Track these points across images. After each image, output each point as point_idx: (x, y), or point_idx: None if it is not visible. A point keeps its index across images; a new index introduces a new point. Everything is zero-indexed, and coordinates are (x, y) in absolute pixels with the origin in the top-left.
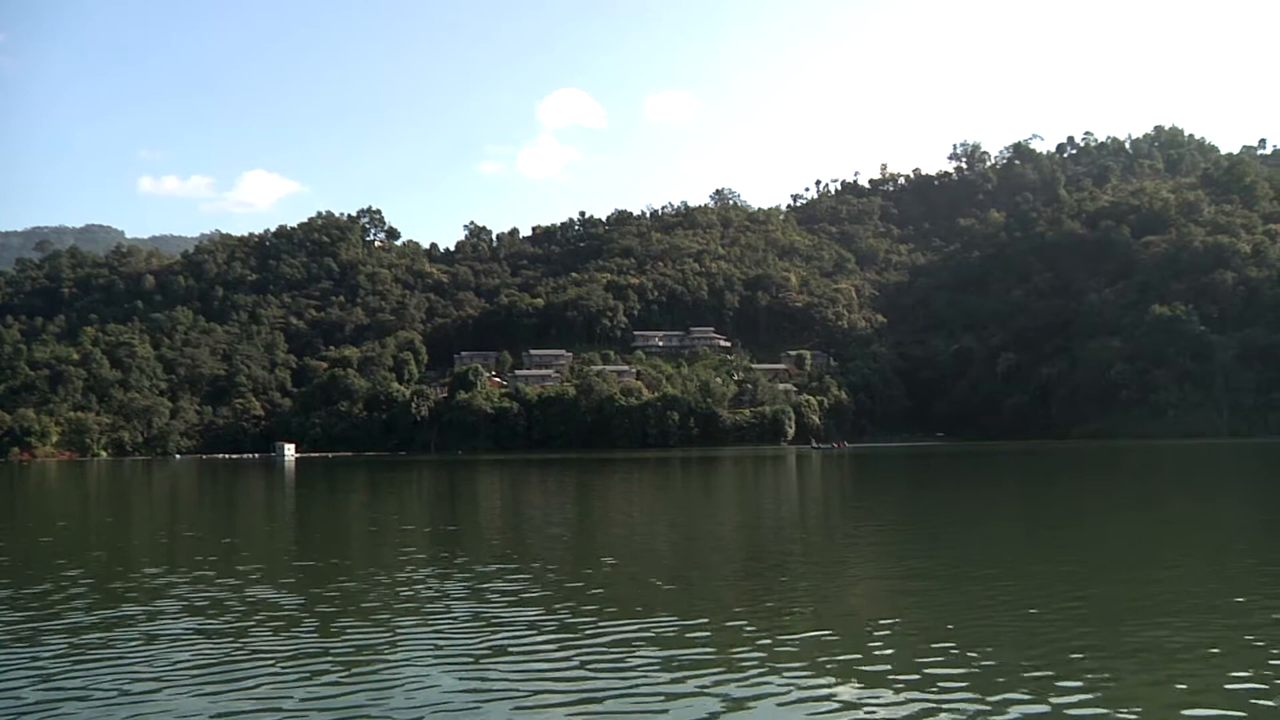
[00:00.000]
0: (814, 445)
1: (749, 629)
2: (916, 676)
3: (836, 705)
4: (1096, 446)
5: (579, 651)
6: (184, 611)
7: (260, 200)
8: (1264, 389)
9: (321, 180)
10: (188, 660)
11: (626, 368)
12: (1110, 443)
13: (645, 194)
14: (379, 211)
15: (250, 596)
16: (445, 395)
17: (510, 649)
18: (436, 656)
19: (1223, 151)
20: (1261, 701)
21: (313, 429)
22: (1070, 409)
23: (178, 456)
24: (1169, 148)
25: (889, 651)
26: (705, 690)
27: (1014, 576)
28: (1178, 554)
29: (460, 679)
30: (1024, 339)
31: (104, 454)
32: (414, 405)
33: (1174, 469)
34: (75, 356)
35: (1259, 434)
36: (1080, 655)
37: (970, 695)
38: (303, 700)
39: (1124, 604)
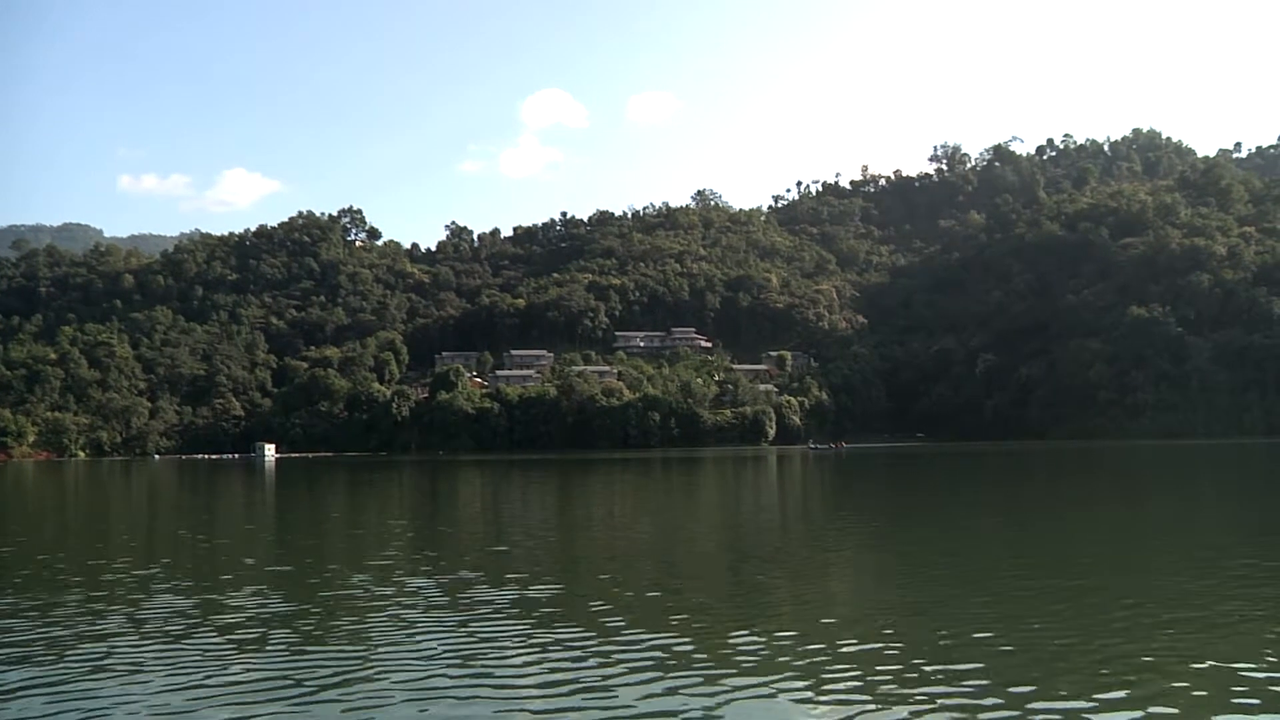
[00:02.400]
0: (812, 446)
1: (736, 637)
2: (903, 685)
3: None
4: (1076, 447)
5: (569, 665)
6: (153, 623)
7: (240, 199)
8: (1238, 390)
9: (302, 179)
10: (152, 677)
11: (608, 368)
12: (1089, 443)
13: (627, 194)
14: (360, 211)
15: (225, 607)
16: (426, 395)
17: (496, 664)
18: (420, 671)
19: (1199, 154)
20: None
21: (293, 429)
22: (1049, 410)
23: (157, 457)
24: (1147, 150)
25: (876, 661)
26: (695, 702)
27: (1005, 581)
28: (1161, 553)
29: (445, 695)
30: (1003, 340)
31: (82, 454)
32: (395, 406)
33: (1153, 470)
34: (53, 356)
35: (1234, 434)
36: (1066, 662)
37: (957, 706)
38: None
39: (1111, 610)
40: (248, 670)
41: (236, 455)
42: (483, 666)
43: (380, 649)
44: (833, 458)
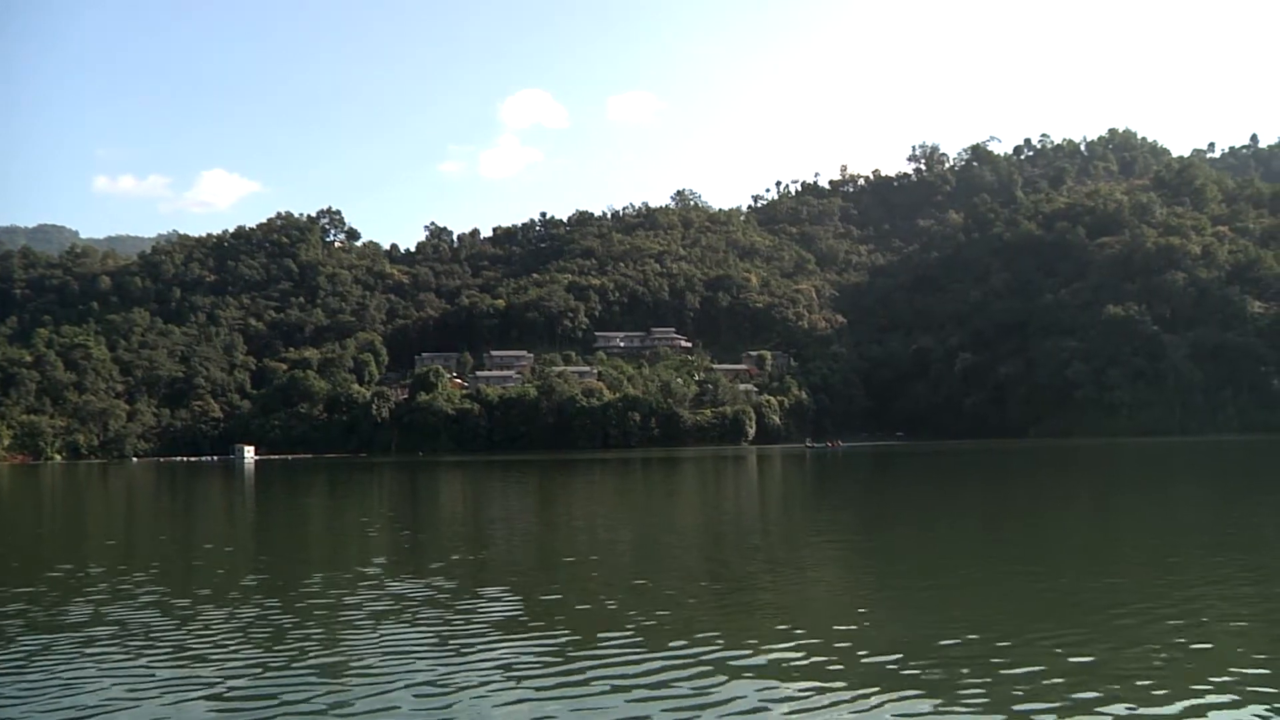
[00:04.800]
0: (809, 445)
1: (725, 642)
2: (896, 687)
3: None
4: (1055, 445)
5: (555, 672)
6: (127, 632)
7: (219, 200)
8: (1213, 387)
9: (281, 180)
10: (122, 692)
11: (588, 368)
12: (1067, 441)
13: (607, 195)
14: (339, 212)
15: (202, 617)
16: (406, 396)
17: (480, 671)
18: (399, 685)
19: (1174, 154)
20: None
21: (272, 431)
22: (1027, 408)
23: (135, 459)
24: (1122, 150)
25: (856, 663)
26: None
27: (991, 581)
28: (1149, 551)
29: (429, 703)
30: (982, 339)
31: (58, 457)
32: (374, 407)
33: (1130, 468)
34: (28, 358)
35: (1209, 431)
36: (1055, 661)
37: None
38: None
39: (1090, 600)
40: (227, 682)
41: (215, 457)
42: (465, 674)
43: (362, 658)
44: (829, 456)
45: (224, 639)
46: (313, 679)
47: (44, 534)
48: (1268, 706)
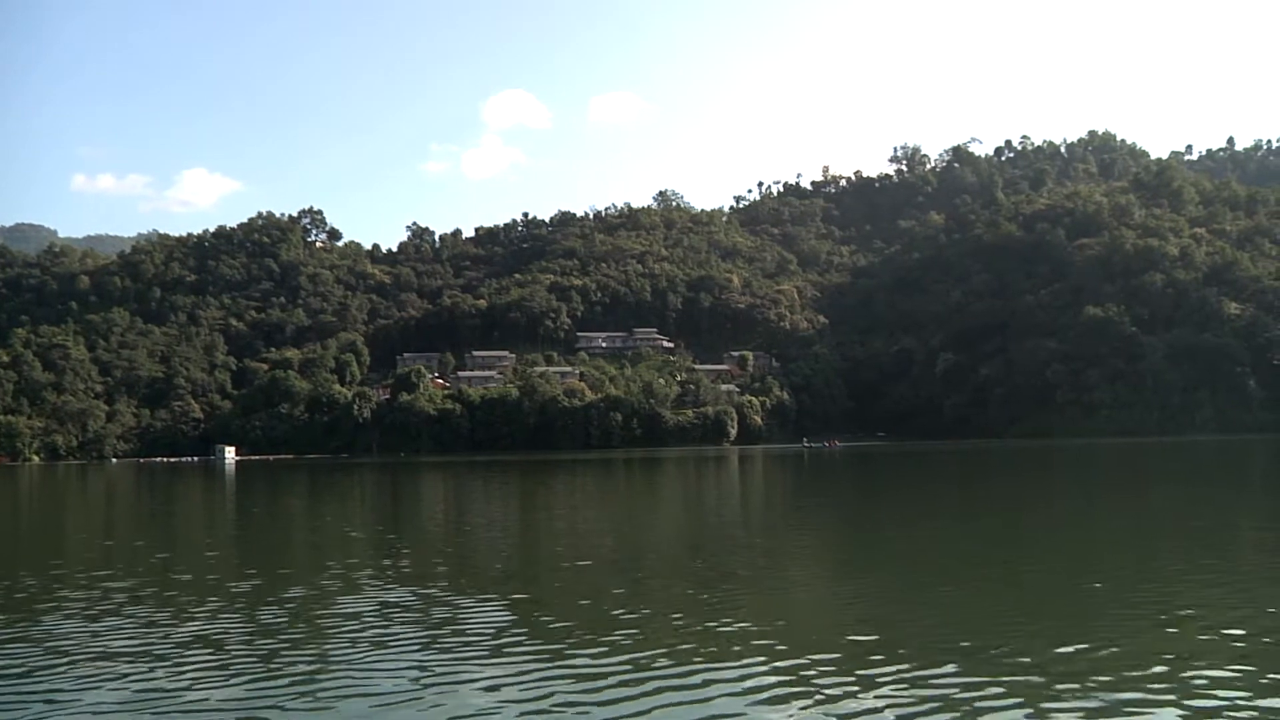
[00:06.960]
0: (806, 444)
1: (719, 646)
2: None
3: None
4: (1036, 446)
5: (547, 678)
6: (100, 643)
7: (200, 199)
8: (1190, 388)
9: (263, 180)
10: (93, 702)
11: (570, 369)
12: (1047, 442)
13: (589, 195)
14: (320, 212)
15: (175, 624)
16: (388, 397)
17: (464, 679)
18: (383, 691)
19: (1152, 156)
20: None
21: (253, 431)
22: (1007, 409)
23: (114, 460)
24: (1102, 152)
25: (854, 663)
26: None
27: (974, 579)
28: (1118, 551)
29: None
30: (962, 340)
31: (36, 458)
32: (356, 407)
33: (1109, 468)
34: (5, 358)
35: (1186, 432)
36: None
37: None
38: None
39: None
40: (203, 693)
41: (195, 458)
42: (452, 678)
43: (343, 665)
44: (827, 456)
45: (200, 646)
46: (294, 687)
47: (20, 535)
48: (1262, 705)
